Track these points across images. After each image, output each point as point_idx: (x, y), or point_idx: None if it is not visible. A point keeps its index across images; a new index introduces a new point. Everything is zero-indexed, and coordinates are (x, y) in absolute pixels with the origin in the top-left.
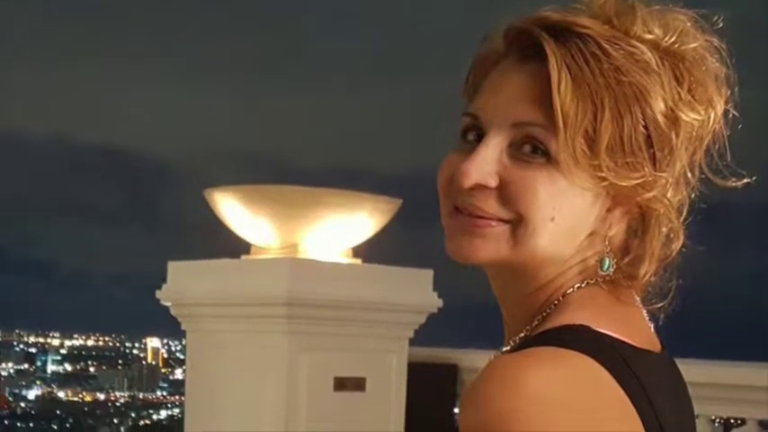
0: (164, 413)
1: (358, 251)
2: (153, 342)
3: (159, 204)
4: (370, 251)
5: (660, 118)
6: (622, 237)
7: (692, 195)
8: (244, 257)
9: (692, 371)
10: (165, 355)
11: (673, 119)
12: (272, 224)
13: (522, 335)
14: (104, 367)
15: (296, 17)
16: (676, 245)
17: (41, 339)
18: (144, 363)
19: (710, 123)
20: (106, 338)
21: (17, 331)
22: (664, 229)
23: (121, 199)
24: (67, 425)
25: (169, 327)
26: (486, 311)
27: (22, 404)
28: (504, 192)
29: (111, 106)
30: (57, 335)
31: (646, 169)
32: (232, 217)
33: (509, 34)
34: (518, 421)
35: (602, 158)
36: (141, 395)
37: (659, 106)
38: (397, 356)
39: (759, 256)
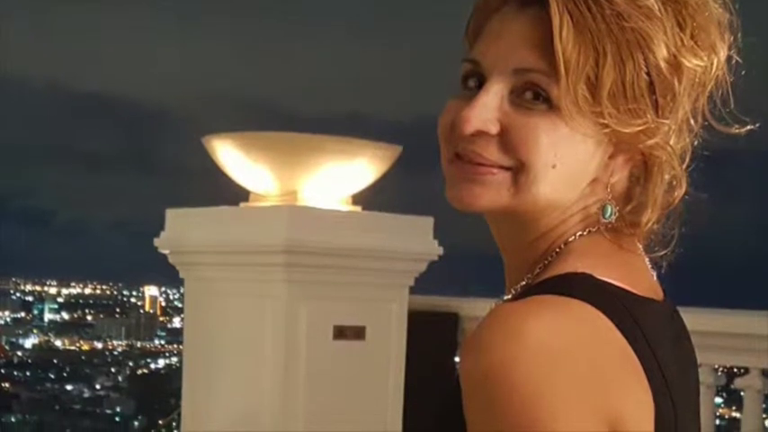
0: (162, 362)
1: (358, 198)
2: (151, 290)
3: (157, 151)
4: (369, 198)
5: (663, 64)
6: (625, 184)
7: (695, 142)
8: (242, 205)
9: (694, 319)
10: (163, 304)
11: (675, 65)
12: (271, 171)
13: (524, 283)
14: (102, 316)
15: None
16: (679, 192)
17: (38, 288)
18: (142, 311)
19: (713, 70)
20: (103, 287)
21: (13, 279)
22: (666, 177)
23: (119, 146)
24: (64, 374)
25: (167, 275)
26: (487, 259)
27: (19, 353)
28: (505, 139)
29: (110, 52)
30: (54, 283)
31: (648, 116)
32: (231, 164)
33: None
34: (519, 370)
35: (604, 105)
36: (139, 344)
37: (662, 52)
38: (397, 305)
39: (762, 203)
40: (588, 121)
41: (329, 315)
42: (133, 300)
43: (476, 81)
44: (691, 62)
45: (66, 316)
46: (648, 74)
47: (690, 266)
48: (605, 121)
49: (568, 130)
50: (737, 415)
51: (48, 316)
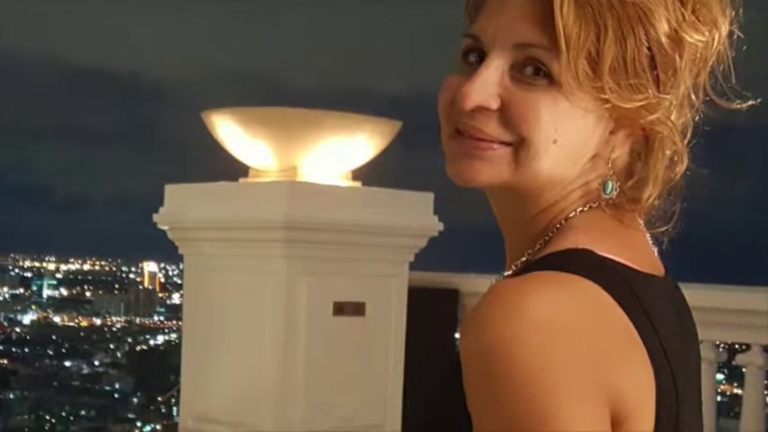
0: (161, 338)
1: (358, 174)
2: (150, 266)
3: (157, 127)
4: (369, 174)
5: (664, 39)
6: (626, 160)
7: (697, 118)
8: (242, 180)
9: (696, 295)
10: (163, 280)
11: (677, 40)
12: (271, 147)
13: (524, 259)
14: (101, 292)
15: None
16: (680, 168)
17: (37, 264)
18: (141, 287)
19: (715, 45)
20: (102, 263)
21: (12, 255)
22: (667, 152)
23: (118, 121)
24: (63, 350)
25: (166, 251)
26: (487, 235)
27: (17, 329)
28: (506, 114)
29: (109, 28)
30: (52, 259)
31: (649, 91)
32: (230, 139)
33: None
34: (520, 347)
35: (605, 80)
36: (138, 320)
37: (663, 27)
38: (397, 281)
39: (764, 179)
40: (589, 96)
41: (329, 291)
42: (132, 276)
43: (476, 56)
44: (692, 37)
45: (64, 292)
46: (650, 49)
47: (691, 242)
48: (606, 97)
49: (569, 106)
50: (739, 391)
51: (46, 292)
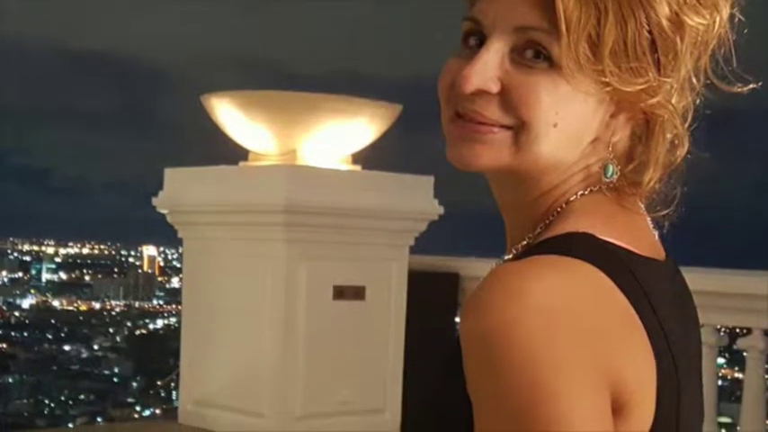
0: (160, 322)
1: (357, 158)
2: (149, 250)
3: (156, 110)
4: (369, 157)
5: (665, 22)
6: (626, 143)
7: (697, 101)
8: (241, 164)
9: (697, 279)
10: (162, 264)
11: (677, 23)
12: (271, 130)
13: (525, 243)
14: (100, 276)
15: None
16: (681, 151)
17: (36, 247)
18: (140, 271)
19: (716, 28)
20: (102, 246)
21: (11, 239)
22: (668, 136)
23: (118, 105)
24: (62, 334)
25: (166, 234)
26: (487, 219)
27: (16, 313)
28: (506, 97)
29: (109, 11)
30: (51, 243)
31: (650, 74)
32: (230, 123)
33: None
34: (520, 330)
35: (606, 63)
36: (137, 304)
37: (664, 10)
38: (398, 264)
39: (765, 162)
40: (589, 79)
41: (329, 275)
42: (131, 259)
43: (476, 39)
44: (693, 20)
45: (63, 276)
46: (650, 32)
47: (692, 226)
48: (607, 80)
49: (570, 89)
50: (740, 375)
51: (45, 276)
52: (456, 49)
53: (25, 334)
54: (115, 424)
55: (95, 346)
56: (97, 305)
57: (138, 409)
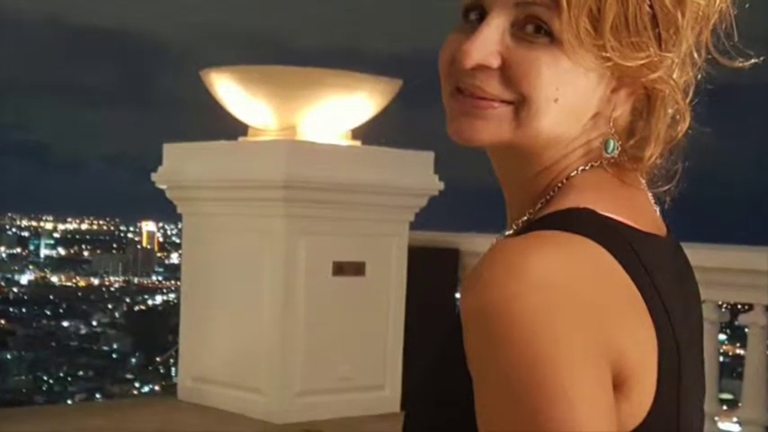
0: (159, 298)
1: (357, 133)
2: (148, 226)
3: (155, 85)
4: (369, 133)
5: None
6: (627, 118)
7: (699, 76)
8: (241, 139)
9: (698, 255)
10: (161, 239)
11: None
12: (270, 105)
13: (525, 218)
14: (99, 251)
15: None
16: (682, 126)
17: (34, 223)
18: (139, 247)
19: (717, 2)
20: (100, 222)
21: (9, 215)
22: (669, 111)
23: (117, 80)
24: (61, 310)
25: (165, 210)
26: (488, 194)
27: (15, 289)
28: (507, 72)
29: None
30: (50, 218)
31: (651, 49)
32: (229, 98)
33: None
34: (520, 307)
35: (607, 38)
36: (136, 280)
37: None
38: (398, 240)
39: (767, 137)
40: (590, 54)
41: (328, 251)
42: (130, 235)
43: (477, 14)
44: None
45: (62, 252)
46: (651, 6)
47: (693, 202)
48: (608, 55)
49: (570, 64)
50: (741, 352)
51: (44, 252)
52: (456, 23)
53: (23, 310)
54: (114, 400)
55: (94, 323)
56: (96, 281)
57: (136, 385)
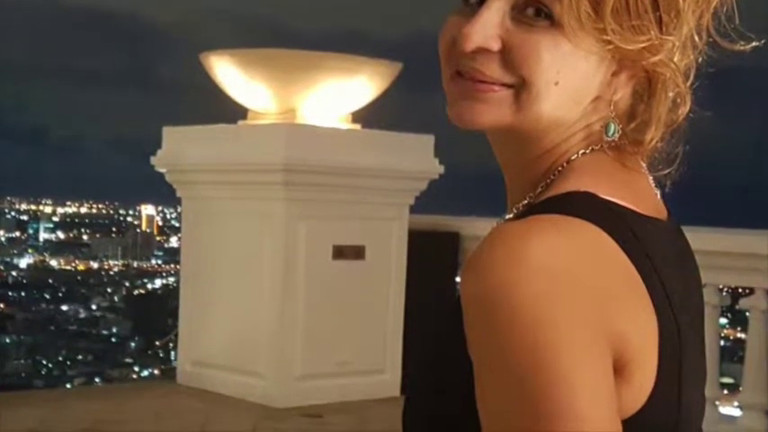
0: (158, 282)
1: (357, 116)
2: (147, 209)
3: (155, 69)
4: (369, 116)
5: None
6: (628, 102)
7: (700, 59)
8: (241, 123)
9: (699, 239)
10: (160, 223)
11: None
12: (270, 89)
13: (526, 202)
14: (98, 235)
15: None
16: (683, 110)
17: (33, 206)
18: (138, 231)
19: None
20: (99, 206)
21: (8, 198)
22: (670, 94)
23: (116, 63)
24: (60, 294)
25: (164, 193)
26: (488, 178)
27: (14, 273)
28: (507, 56)
29: None
30: (49, 202)
31: (652, 32)
32: (229, 81)
33: None
34: (521, 291)
35: (608, 21)
36: (135, 264)
37: None
38: (398, 224)
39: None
40: (591, 37)
41: (328, 234)
42: (129, 219)
43: None
44: None
45: (61, 235)
46: None
47: (694, 185)
48: (608, 38)
49: (571, 47)
50: (742, 336)
51: (43, 235)
52: (456, 6)
53: (23, 294)
54: (113, 384)
55: (93, 306)
56: (95, 265)
57: (136, 369)
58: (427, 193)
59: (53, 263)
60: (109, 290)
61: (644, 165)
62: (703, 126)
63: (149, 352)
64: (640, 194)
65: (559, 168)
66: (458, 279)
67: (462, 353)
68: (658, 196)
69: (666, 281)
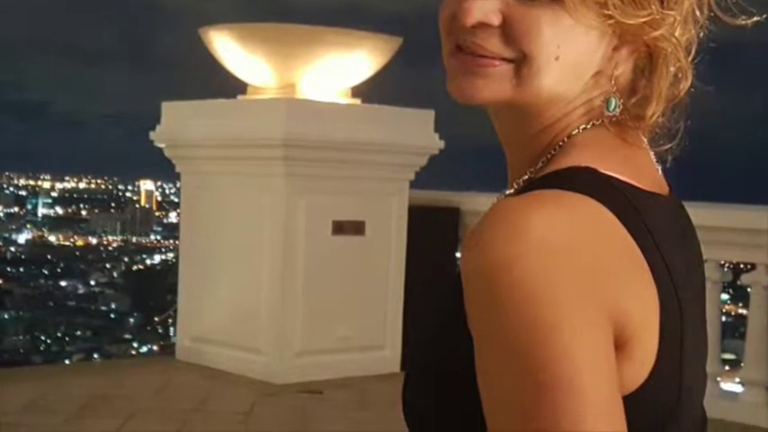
0: (157, 258)
1: (357, 91)
2: (146, 185)
3: (154, 43)
4: (369, 91)
5: None
6: (629, 76)
7: (701, 34)
8: (240, 97)
9: (700, 214)
10: (159, 198)
11: None
12: (269, 63)
13: (526, 177)
14: (96, 211)
15: None
16: (684, 85)
17: (32, 182)
18: (137, 206)
19: None
20: (98, 181)
21: (6, 173)
22: (672, 69)
23: (116, 38)
24: (59, 269)
25: (163, 169)
26: (488, 153)
27: (12, 248)
28: (508, 30)
29: None
30: (47, 177)
31: (653, 7)
32: (228, 56)
33: None
34: (522, 267)
35: None
36: (134, 239)
37: None
38: (398, 199)
39: None
40: (592, 12)
41: (328, 210)
42: (128, 194)
43: None
44: None
45: (60, 211)
46: None
47: (695, 161)
48: (609, 12)
49: (572, 22)
50: (744, 311)
51: (41, 211)
52: None
53: (21, 269)
54: (112, 360)
55: (92, 282)
56: (94, 240)
57: (135, 345)
58: (427, 168)
59: (52, 238)
60: (108, 265)
61: (645, 140)
62: (705, 101)
63: (148, 328)
64: (641, 170)
65: (560, 143)
66: (458, 254)
67: (463, 328)
68: (659, 171)
69: (668, 256)
